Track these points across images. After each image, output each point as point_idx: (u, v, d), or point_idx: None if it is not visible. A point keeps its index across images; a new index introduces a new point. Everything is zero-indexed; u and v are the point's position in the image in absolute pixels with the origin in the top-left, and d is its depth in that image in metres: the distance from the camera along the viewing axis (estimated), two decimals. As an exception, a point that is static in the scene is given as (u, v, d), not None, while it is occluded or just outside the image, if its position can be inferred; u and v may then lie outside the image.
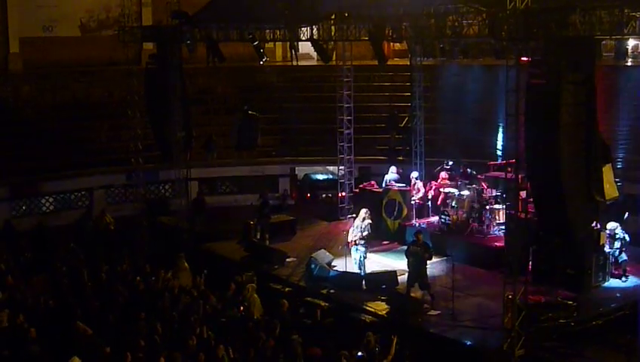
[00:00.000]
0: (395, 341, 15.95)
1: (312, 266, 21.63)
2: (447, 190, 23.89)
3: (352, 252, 21.18)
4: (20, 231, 26.20)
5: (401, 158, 28.61)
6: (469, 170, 24.65)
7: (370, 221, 21.21)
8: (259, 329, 16.89)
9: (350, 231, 21.34)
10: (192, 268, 21.21)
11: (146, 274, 20.57)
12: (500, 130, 25.62)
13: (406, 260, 19.89)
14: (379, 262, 22.32)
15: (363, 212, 21.33)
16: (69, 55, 33.56)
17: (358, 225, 21.11)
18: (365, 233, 20.98)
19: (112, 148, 30.03)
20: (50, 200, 29.14)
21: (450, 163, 25.17)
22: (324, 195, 29.15)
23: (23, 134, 29.36)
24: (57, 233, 25.92)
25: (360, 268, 21.08)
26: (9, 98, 31.29)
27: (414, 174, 25.13)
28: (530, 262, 18.87)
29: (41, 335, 16.34)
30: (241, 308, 18.89)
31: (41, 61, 33.07)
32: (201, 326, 16.83)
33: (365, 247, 21.08)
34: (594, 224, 18.73)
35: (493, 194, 22.85)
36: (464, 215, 22.90)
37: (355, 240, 21.05)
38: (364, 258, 21.09)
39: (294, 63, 35.59)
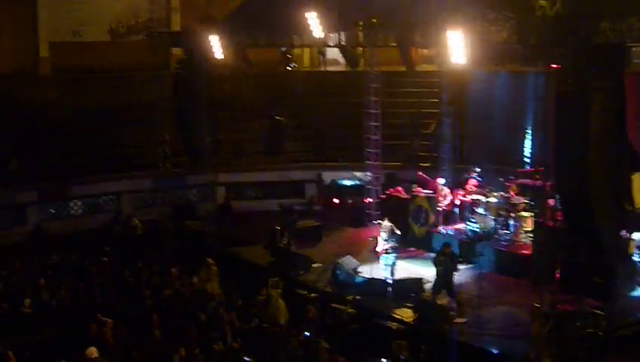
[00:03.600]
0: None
1: (338, 272, 21.61)
2: (474, 197, 23.76)
3: (382, 260, 21.25)
4: (50, 235, 26.37)
5: (426, 165, 28.49)
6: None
7: (399, 232, 21.42)
8: (287, 335, 16.92)
9: (379, 242, 21.39)
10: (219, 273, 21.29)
11: (173, 279, 20.67)
12: (528, 137, 25.46)
13: (434, 268, 19.86)
14: (405, 268, 22.21)
15: (388, 225, 21.39)
16: (98, 60, 33.75)
17: (387, 237, 21.27)
18: (390, 244, 21.21)
19: (141, 153, 30.17)
20: (79, 203, 29.33)
21: (478, 170, 25.03)
22: (350, 201, 29.07)
23: (52, 138, 29.57)
24: (86, 236, 26.06)
25: (392, 274, 21.14)
26: (38, 102, 31.51)
27: (441, 181, 25.03)
28: (558, 271, 18.72)
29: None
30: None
31: (71, 66, 33.27)
32: (227, 331, 16.90)
33: (395, 255, 21.15)
34: (622, 232, 18.56)
35: (521, 201, 22.70)
36: (491, 222, 22.77)
37: (385, 250, 21.23)
38: (394, 265, 21.10)
39: (322, 69, 35.61)
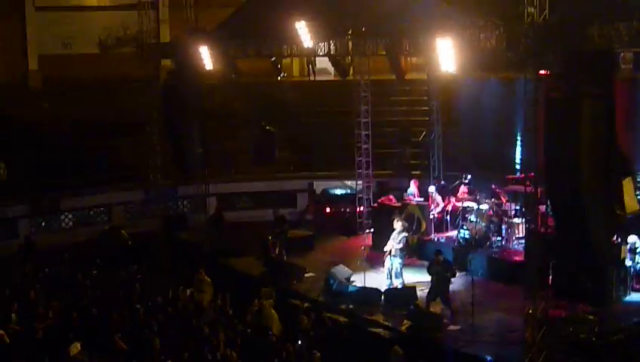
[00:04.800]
0: None
1: (331, 281, 21.59)
2: (466, 204, 23.78)
3: (386, 261, 21.32)
4: (41, 248, 26.28)
5: (417, 173, 28.50)
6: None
7: (405, 234, 21.43)
8: (280, 344, 16.90)
9: (389, 242, 21.45)
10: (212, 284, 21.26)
11: (165, 290, 20.63)
12: (518, 143, 25.49)
13: (427, 276, 19.90)
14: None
15: (398, 224, 21.43)
16: (88, 72, 33.69)
17: (395, 236, 21.31)
18: (400, 245, 21.15)
19: (131, 165, 30.10)
20: (70, 216, 29.24)
21: (469, 177, 25.05)
22: (342, 210, 29.06)
23: (42, 151, 29.49)
24: (77, 249, 25.98)
25: (389, 278, 21.26)
26: (28, 114, 31.43)
27: (432, 188, 25.04)
28: (550, 277, 18.73)
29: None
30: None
31: (60, 78, 33.22)
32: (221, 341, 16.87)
33: (402, 258, 21.19)
34: (614, 238, 18.59)
35: (513, 208, 22.73)
36: (483, 229, 22.79)
37: (390, 251, 21.24)
38: (400, 269, 21.22)
39: (312, 79, 35.62)
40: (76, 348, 15.47)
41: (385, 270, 21.42)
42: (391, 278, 21.33)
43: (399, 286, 21.16)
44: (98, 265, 23.06)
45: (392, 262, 21.27)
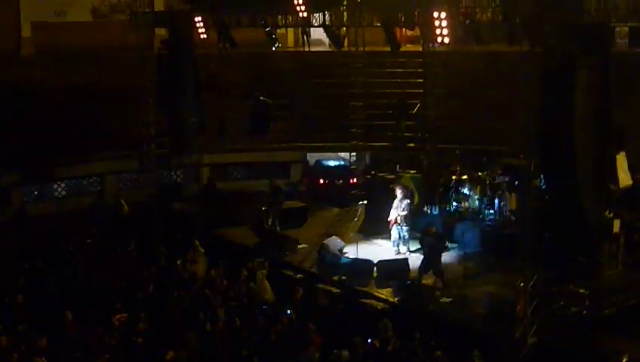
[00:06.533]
0: None
1: (324, 253, 21.63)
2: (459, 176, 23.77)
3: (392, 231, 21.59)
4: (34, 217, 26.26)
5: (411, 145, 28.46)
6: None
7: (408, 200, 21.73)
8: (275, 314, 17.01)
9: (391, 212, 21.69)
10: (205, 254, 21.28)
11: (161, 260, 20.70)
12: (511, 116, 25.42)
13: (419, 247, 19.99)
14: (390, 248, 22.28)
15: (399, 191, 21.61)
16: (81, 40, 33.41)
17: (397, 204, 21.52)
18: (405, 212, 21.44)
19: (124, 134, 29.95)
20: (63, 185, 29.18)
21: (463, 149, 25.02)
22: (335, 182, 29.04)
23: (35, 119, 29.33)
24: (72, 218, 25.96)
25: (396, 246, 21.65)
26: (21, 82, 31.25)
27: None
28: (543, 250, 18.77)
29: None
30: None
31: (54, 46, 32.96)
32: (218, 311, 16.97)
33: (408, 225, 21.49)
34: (607, 212, 18.63)
35: (506, 180, 22.72)
36: (476, 202, 22.81)
37: (395, 219, 21.48)
38: (408, 236, 21.58)
39: (306, 49, 35.46)
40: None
41: (392, 239, 21.75)
42: (398, 246, 21.61)
43: (407, 254, 21.34)
44: (93, 234, 23.03)
45: (399, 230, 21.62)
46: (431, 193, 24.28)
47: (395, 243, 21.72)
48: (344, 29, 26.27)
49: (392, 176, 25.07)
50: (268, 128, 28.55)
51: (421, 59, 27.59)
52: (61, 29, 33.61)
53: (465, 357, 15.47)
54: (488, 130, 27.17)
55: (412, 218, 22.42)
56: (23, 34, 33.35)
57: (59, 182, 29.08)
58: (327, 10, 23.76)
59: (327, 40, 29.99)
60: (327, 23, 24.02)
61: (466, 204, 22.96)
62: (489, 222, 22.44)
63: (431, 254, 19.63)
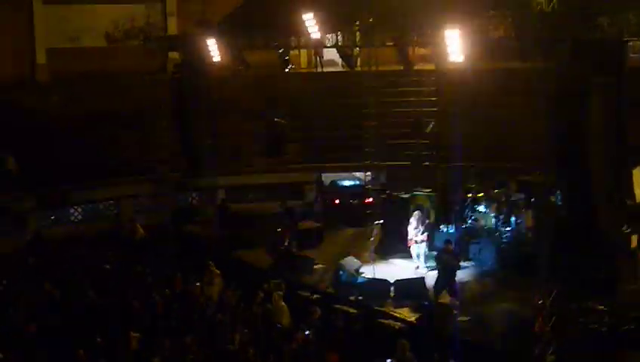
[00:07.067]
0: None
1: (340, 273, 21.58)
2: (475, 194, 23.72)
3: (412, 249, 22.00)
4: (50, 241, 26.31)
5: (427, 164, 28.42)
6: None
7: (427, 221, 22.37)
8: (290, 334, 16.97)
9: (409, 231, 22.10)
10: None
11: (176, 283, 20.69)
12: (527, 133, 25.37)
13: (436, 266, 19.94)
14: (406, 267, 22.23)
15: (416, 214, 22.26)
16: (96, 65, 33.62)
17: (413, 227, 21.96)
18: (423, 236, 22.10)
19: (139, 158, 30.07)
20: (79, 209, 29.27)
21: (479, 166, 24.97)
22: (350, 202, 29.01)
23: (51, 144, 29.47)
24: (88, 242, 26.01)
25: (418, 261, 22.09)
26: (37, 109, 31.43)
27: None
28: (560, 267, 18.68)
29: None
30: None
31: (68, 71, 33.17)
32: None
33: (426, 243, 22.00)
34: (624, 227, 18.53)
35: (522, 197, 22.64)
36: (493, 219, 22.74)
37: (414, 239, 21.96)
38: (427, 253, 21.93)
39: (319, 70, 35.53)
40: None
41: (414, 256, 22.14)
42: (419, 263, 22.07)
43: (426, 272, 21.44)
44: (109, 259, 23.06)
45: (417, 248, 22.06)
46: (447, 211, 24.29)
47: (417, 259, 22.04)
48: (357, 49, 26.32)
49: (408, 196, 25.05)
50: (282, 149, 28.58)
51: (434, 78, 27.63)
52: (75, 55, 33.81)
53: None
54: (503, 147, 27.10)
55: (429, 237, 22.44)
56: (37, 60, 33.56)
57: (75, 207, 29.14)
58: (340, 31, 23.81)
59: (340, 60, 30.04)
60: (339, 43, 24.06)
61: (482, 221, 22.88)
62: (505, 240, 22.34)
63: (445, 273, 19.56)
